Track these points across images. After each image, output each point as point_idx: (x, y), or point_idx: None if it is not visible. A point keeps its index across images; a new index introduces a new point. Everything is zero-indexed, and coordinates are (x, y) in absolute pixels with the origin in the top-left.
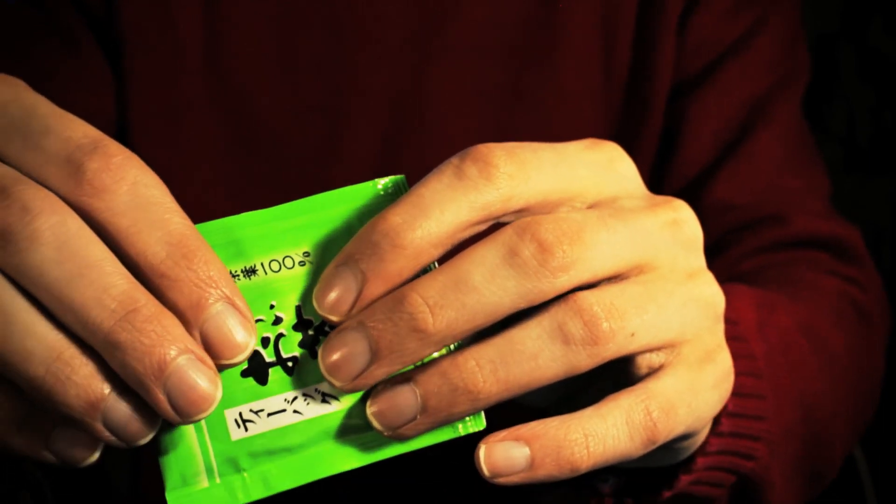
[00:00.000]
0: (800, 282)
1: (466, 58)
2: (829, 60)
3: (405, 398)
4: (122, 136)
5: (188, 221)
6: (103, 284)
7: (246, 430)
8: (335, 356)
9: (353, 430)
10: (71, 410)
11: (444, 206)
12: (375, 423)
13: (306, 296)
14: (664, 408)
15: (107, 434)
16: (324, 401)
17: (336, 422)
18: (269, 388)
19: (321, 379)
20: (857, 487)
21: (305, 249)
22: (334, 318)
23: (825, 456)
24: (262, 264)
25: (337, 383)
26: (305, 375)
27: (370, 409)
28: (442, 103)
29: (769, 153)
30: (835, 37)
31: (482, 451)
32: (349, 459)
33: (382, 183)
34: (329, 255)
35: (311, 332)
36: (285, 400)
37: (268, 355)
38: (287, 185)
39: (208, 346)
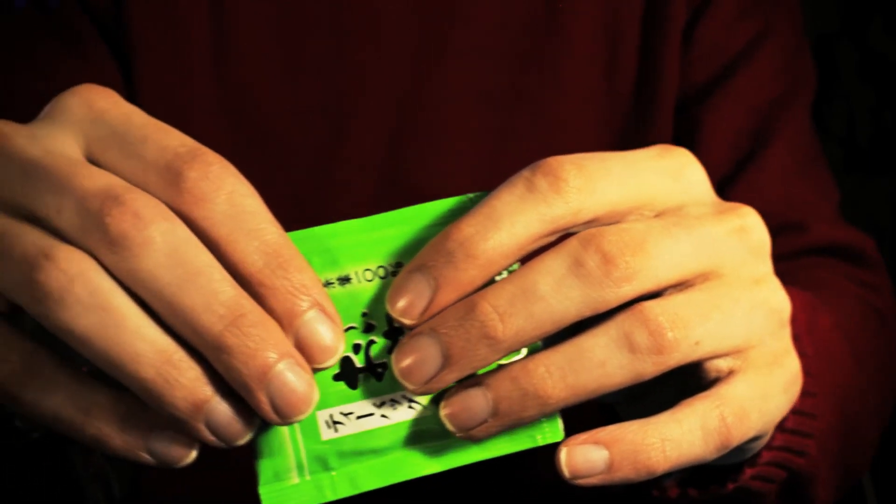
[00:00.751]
0: (824, 287)
1: (470, 60)
2: (829, 60)
3: (477, 402)
4: None
5: (282, 230)
6: (212, 290)
7: (336, 431)
8: (408, 361)
9: (437, 435)
10: (177, 411)
11: (515, 218)
12: (448, 425)
13: None
14: (737, 413)
15: (208, 435)
16: (410, 406)
17: (421, 426)
18: (359, 393)
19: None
20: (857, 487)
21: (398, 260)
22: (406, 322)
23: (860, 453)
24: (355, 273)
25: (410, 386)
26: (394, 381)
27: (443, 411)
28: (446, 105)
29: (783, 162)
30: (835, 37)
31: (563, 454)
32: (433, 463)
33: (473, 197)
34: None
35: (401, 339)
36: (374, 404)
37: (359, 361)
38: (291, 185)
39: (301, 351)
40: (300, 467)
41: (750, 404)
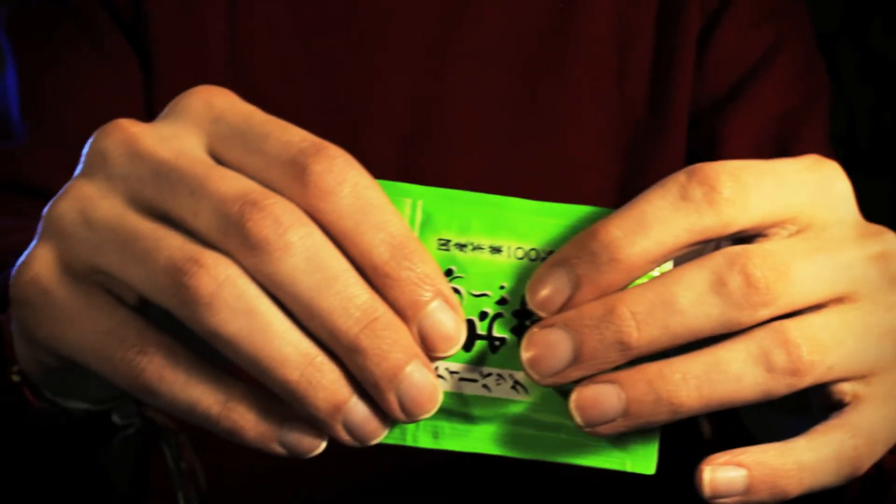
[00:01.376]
0: None
1: (483, 63)
2: (829, 60)
3: (609, 400)
4: None
5: (405, 222)
6: (348, 294)
7: None
8: (537, 351)
9: (529, 423)
10: (317, 411)
11: (665, 226)
12: (577, 417)
13: None
14: (868, 443)
15: (345, 434)
16: (513, 387)
17: (517, 410)
18: (470, 357)
19: (518, 367)
20: None
21: (550, 249)
22: (542, 314)
23: None
24: (508, 247)
25: (535, 376)
26: (506, 359)
27: (573, 403)
28: (458, 107)
29: None
30: (835, 37)
31: (706, 473)
32: (517, 449)
33: None
34: None
35: (527, 323)
36: (480, 373)
37: (480, 328)
38: None
39: (425, 340)
40: None
41: (878, 434)
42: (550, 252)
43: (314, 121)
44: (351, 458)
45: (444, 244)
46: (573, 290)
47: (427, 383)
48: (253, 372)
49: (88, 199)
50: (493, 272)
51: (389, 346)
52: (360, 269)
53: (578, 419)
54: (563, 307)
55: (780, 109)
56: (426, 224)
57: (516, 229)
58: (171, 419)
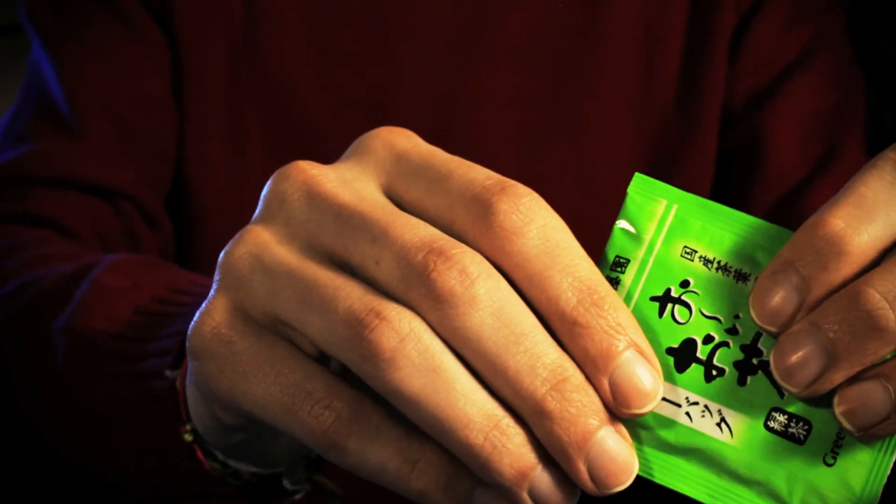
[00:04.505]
0: None
1: (507, 62)
2: None
3: (877, 396)
4: (181, 124)
5: (594, 266)
6: (537, 353)
7: None
8: (789, 360)
9: (724, 471)
10: (502, 479)
11: (890, 206)
12: (845, 423)
13: None
14: None
15: (530, 502)
16: (718, 425)
17: (713, 448)
18: (681, 378)
19: (730, 405)
20: None
21: None
22: (773, 329)
23: None
24: (755, 277)
25: (793, 389)
26: (720, 392)
27: (839, 409)
28: (482, 105)
29: (860, 162)
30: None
31: None
32: (695, 489)
33: None
34: None
35: (754, 362)
36: (686, 398)
37: (701, 353)
38: None
39: (616, 394)
40: None
41: None
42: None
43: (337, 115)
44: None
45: (689, 253)
46: (802, 295)
47: (620, 452)
48: (434, 434)
49: (265, 245)
50: (732, 298)
51: (578, 409)
52: (547, 317)
53: (848, 424)
54: (795, 317)
55: (822, 108)
56: (676, 228)
57: (766, 258)
58: (338, 485)
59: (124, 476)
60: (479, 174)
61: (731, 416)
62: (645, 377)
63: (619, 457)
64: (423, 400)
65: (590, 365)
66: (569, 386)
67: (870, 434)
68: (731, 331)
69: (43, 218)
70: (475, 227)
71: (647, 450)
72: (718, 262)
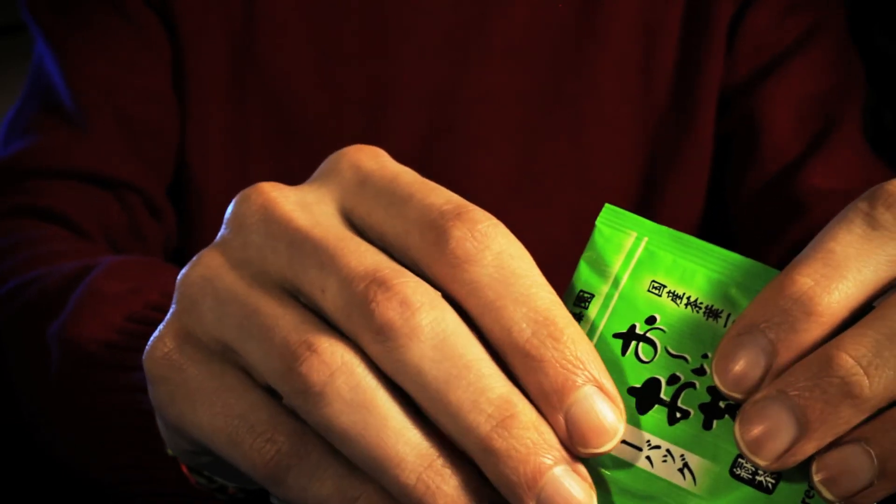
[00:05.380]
0: None
1: (506, 58)
2: None
3: (859, 462)
4: (183, 120)
5: (555, 296)
6: (481, 387)
7: None
8: (756, 431)
9: None
10: None
11: (861, 262)
12: (825, 493)
13: None
14: None
15: None
16: (680, 471)
17: (675, 495)
18: (643, 420)
19: (694, 450)
20: None
21: None
22: (737, 396)
23: None
24: (730, 317)
25: (761, 462)
26: (684, 436)
27: (817, 478)
28: (481, 102)
29: (856, 145)
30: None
31: None
32: None
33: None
34: None
35: (720, 406)
36: (647, 441)
37: (665, 393)
38: None
39: (573, 432)
40: None
41: None
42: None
43: (332, 110)
44: None
45: (657, 288)
46: (769, 359)
47: (576, 492)
48: (369, 471)
49: (217, 269)
50: (701, 337)
51: (528, 448)
52: (501, 350)
53: (828, 495)
54: (761, 383)
55: (820, 88)
56: (644, 262)
57: (746, 298)
58: None
59: (119, 482)
60: (438, 198)
61: (695, 462)
62: (605, 413)
63: (575, 498)
64: (355, 437)
65: (544, 401)
66: (516, 423)
67: (853, 502)
68: (699, 371)
69: (47, 211)
70: (428, 254)
71: (603, 495)
72: (689, 298)
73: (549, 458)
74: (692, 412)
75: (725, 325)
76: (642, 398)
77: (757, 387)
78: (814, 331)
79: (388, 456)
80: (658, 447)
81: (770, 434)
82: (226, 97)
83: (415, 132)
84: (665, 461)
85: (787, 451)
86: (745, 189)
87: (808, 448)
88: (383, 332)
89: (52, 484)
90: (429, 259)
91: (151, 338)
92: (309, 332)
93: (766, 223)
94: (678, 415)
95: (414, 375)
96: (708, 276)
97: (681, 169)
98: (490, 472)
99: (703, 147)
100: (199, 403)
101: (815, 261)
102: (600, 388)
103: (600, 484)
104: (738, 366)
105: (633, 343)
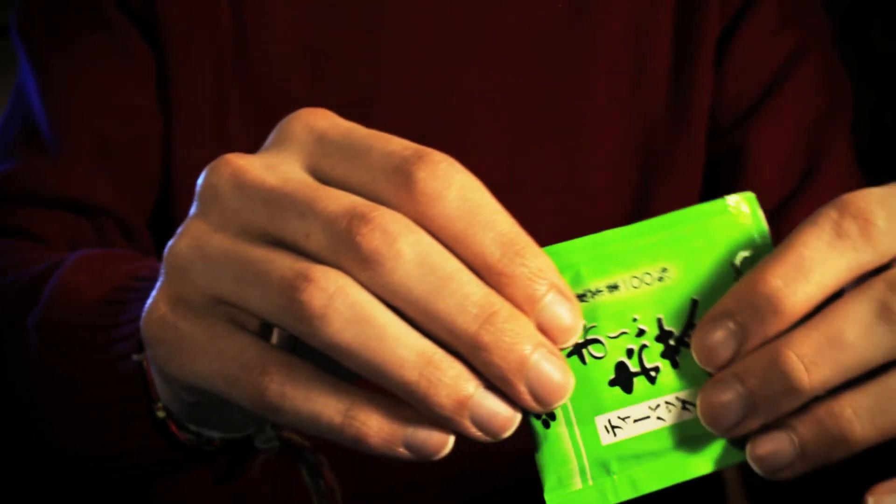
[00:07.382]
0: None
1: (496, 62)
2: None
3: (784, 446)
4: (168, 133)
5: (512, 219)
6: (464, 292)
7: (615, 435)
8: (712, 407)
9: (710, 435)
10: (442, 409)
11: (825, 267)
12: (756, 468)
13: (667, 309)
14: None
15: (474, 430)
16: (684, 408)
17: (695, 428)
18: (635, 396)
19: (681, 388)
20: None
21: (663, 266)
22: (710, 369)
23: None
24: (622, 280)
25: (714, 431)
26: (667, 384)
27: (751, 454)
28: (470, 106)
29: (842, 181)
30: (835, 37)
31: (872, 502)
32: (707, 463)
33: (734, 200)
34: (688, 271)
35: (672, 343)
36: (649, 407)
37: (632, 365)
38: None
39: (544, 333)
40: (583, 473)
41: None
42: (664, 269)
43: None
44: (489, 468)
45: (583, 296)
46: (739, 343)
47: (556, 369)
48: (374, 379)
49: (203, 235)
50: (619, 310)
51: (512, 337)
52: (475, 270)
53: (758, 469)
54: (730, 362)
55: (807, 119)
56: (572, 286)
57: (623, 261)
58: (307, 439)
59: (107, 458)
60: (396, 146)
61: (687, 395)
62: (566, 314)
63: (556, 374)
64: (358, 349)
65: (518, 309)
66: (499, 318)
67: (776, 476)
68: (639, 333)
69: (21, 232)
70: (398, 196)
71: (655, 465)
72: (589, 291)
73: (530, 345)
74: (660, 364)
75: (626, 289)
76: (621, 381)
77: (726, 364)
78: (778, 325)
79: (391, 360)
80: (659, 405)
81: (723, 410)
82: (212, 107)
83: (403, 135)
84: (671, 410)
85: (736, 424)
86: None
87: (753, 425)
88: (371, 260)
89: (52, 484)
90: (398, 199)
91: (146, 305)
92: (303, 267)
93: None
94: (653, 373)
95: (404, 293)
96: (588, 266)
97: (673, 174)
98: (482, 364)
99: (695, 154)
100: (195, 354)
101: (786, 264)
102: (559, 292)
103: (642, 460)
104: (712, 346)
105: (584, 352)
